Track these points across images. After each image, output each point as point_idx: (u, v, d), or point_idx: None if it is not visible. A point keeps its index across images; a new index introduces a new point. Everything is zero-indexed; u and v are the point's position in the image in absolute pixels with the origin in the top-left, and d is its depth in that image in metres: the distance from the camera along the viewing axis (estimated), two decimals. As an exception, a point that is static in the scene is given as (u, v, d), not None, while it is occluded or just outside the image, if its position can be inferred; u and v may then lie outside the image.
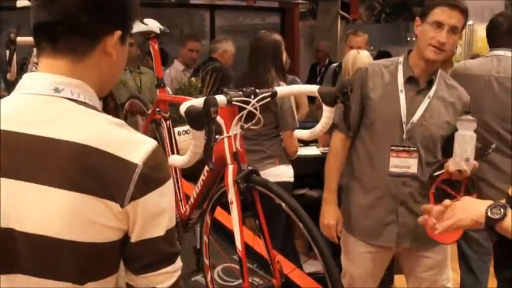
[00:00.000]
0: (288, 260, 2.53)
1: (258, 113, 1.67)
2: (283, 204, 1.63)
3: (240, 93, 1.67)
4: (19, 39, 2.39)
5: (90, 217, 1.05)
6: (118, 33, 1.13)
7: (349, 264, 2.62)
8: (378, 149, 2.46)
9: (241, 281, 1.78)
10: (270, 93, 1.72)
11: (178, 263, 1.18)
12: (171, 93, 2.43)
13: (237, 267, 1.82)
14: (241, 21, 8.63)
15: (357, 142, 2.56)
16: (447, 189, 2.33)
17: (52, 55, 1.11)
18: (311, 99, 4.53)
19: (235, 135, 1.75)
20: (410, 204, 2.44)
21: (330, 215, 2.56)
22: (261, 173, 3.23)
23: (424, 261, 2.53)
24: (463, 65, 3.09)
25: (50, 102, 1.08)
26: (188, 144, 3.77)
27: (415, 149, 2.40)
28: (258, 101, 1.67)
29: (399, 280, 3.80)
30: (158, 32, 2.36)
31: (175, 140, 2.34)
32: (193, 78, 4.04)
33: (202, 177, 1.98)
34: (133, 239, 1.10)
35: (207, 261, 2.10)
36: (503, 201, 1.59)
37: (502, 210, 1.52)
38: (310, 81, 7.06)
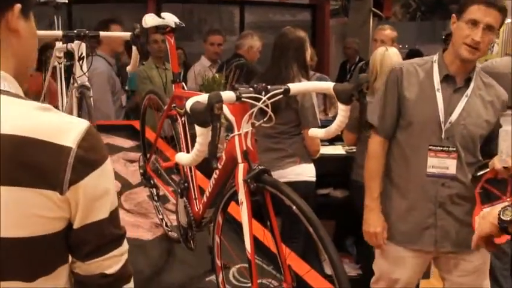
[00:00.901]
0: (308, 261, 2.47)
1: (269, 110, 1.60)
2: (294, 206, 1.56)
3: (251, 89, 1.60)
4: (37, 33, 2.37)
5: (31, 211, 1.01)
6: (18, 6, 1.08)
7: (388, 270, 2.56)
8: (415, 150, 2.41)
9: (259, 281, 1.72)
10: (282, 90, 1.65)
11: (125, 245, 1.15)
12: (186, 89, 2.38)
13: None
14: (271, 18, 8.56)
15: (393, 144, 2.51)
16: (492, 189, 2.25)
17: None
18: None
19: (246, 133, 1.69)
20: (449, 206, 2.39)
21: (374, 222, 2.52)
22: (282, 172, 3.33)
23: (463, 266, 2.47)
24: (490, 63, 3.02)
25: None
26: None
27: (454, 149, 2.34)
28: (269, 98, 1.61)
29: (424, 283, 3.71)
30: (174, 26, 2.31)
31: (191, 137, 2.29)
32: (216, 75, 4.02)
33: (214, 175, 1.93)
34: (77, 224, 1.07)
35: (218, 262, 2.05)
36: None
37: None
38: (340, 79, 6.98)
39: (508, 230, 1.53)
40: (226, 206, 1.95)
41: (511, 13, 4.10)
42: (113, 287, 1.14)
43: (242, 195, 1.68)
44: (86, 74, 2.53)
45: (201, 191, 2.17)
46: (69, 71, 2.78)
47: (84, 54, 2.52)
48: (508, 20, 6.34)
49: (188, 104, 1.46)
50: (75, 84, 2.53)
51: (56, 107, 3.19)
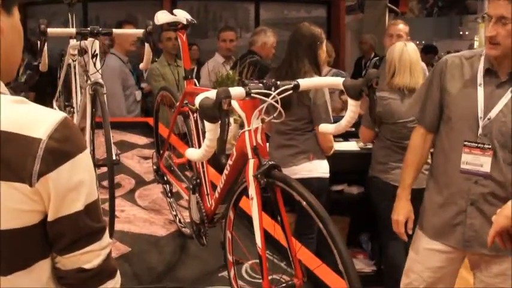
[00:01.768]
0: (323, 257, 2.46)
1: (279, 106, 1.60)
2: (304, 202, 1.56)
3: (260, 85, 1.61)
4: (50, 30, 2.40)
5: (6, 204, 1.01)
6: None
7: (417, 262, 2.56)
8: (452, 144, 2.38)
9: (270, 277, 1.73)
10: (291, 85, 1.65)
11: (106, 240, 1.13)
12: (198, 85, 2.39)
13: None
14: (286, 14, 8.55)
15: (436, 138, 2.50)
16: None
17: None
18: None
19: (256, 129, 1.69)
20: (481, 205, 2.32)
21: (399, 210, 2.55)
22: (295, 168, 3.33)
23: (491, 267, 2.42)
24: None
25: None
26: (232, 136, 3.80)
27: (490, 146, 2.27)
28: (279, 94, 1.61)
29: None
30: (185, 22, 2.32)
31: (203, 133, 2.31)
32: (230, 71, 4.02)
33: (225, 171, 1.94)
34: (51, 217, 1.06)
35: (230, 258, 2.06)
36: None
37: None
38: (355, 75, 6.94)
39: None
40: (238, 202, 1.95)
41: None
42: (93, 282, 1.12)
43: (252, 191, 1.68)
44: (99, 71, 2.54)
45: (214, 187, 2.18)
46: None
47: (97, 51, 2.54)
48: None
49: (197, 100, 1.47)
50: (89, 82, 2.55)
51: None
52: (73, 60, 3.10)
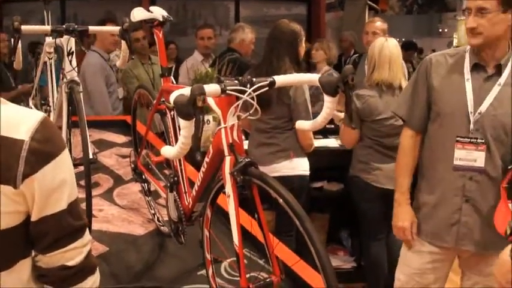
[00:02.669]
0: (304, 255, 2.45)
1: (255, 103, 1.60)
2: (280, 200, 1.56)
3: (236, 82, 1.60)
4: (24, 27, 2.37)
5: None
6: None
7: (406, 265, 2.54)
8: (442, 141, 2.36)
9: (248, 275, 1.72)
10: (267, 82, 1.65)
11: (87, 237, 1.14)
12: (175, 82, 2.38)
13: (245, 262, 1.77)
14: (266, 12, 8.55)
15: (424, 137, 2.47)
16: None
17: None
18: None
19: (232, 126, 1.69)
20: (477, 202, 2.31)
21: (403, 216, 2.49)
22: (275, 166, 3.34)
23: (480, 265, 2.41)
24: None
25: None
26: (206, 135, 3.79)
27: (483, 141, 2.27)
28: (254, 91, 1.60)
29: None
30: (161, 19, 2.31)
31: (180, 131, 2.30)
32: (209, 69, 4.01)
33: (202, 169, 1.93)
34: (35, 217, 1.06)
35: (208, 256, 2.05)
36: None
37: None
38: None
39: None
40: (215, 199, 1.95)
41: None
42: (75, 278, 1.13)
43: (229, 188, 1.68)
44: (75, 69, 2.52)
45: (192, 185, 2.17)
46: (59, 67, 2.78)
47: (73, 49, 2.52)
48: None
49: (172, 97, 1.46)
50: (65, 80, 2.52)
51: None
52: (49, 58, 3.07)
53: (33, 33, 2.54)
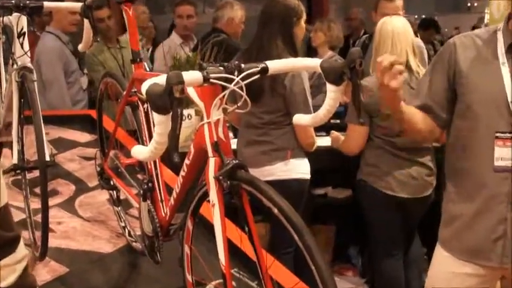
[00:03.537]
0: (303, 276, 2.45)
1: (243, 93, 1.60)
2: (275, 209, 1.56)
3: (221, 68, 1.60)
4: None
5: None
6: None
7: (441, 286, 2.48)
8: (477, 139, 2.32)
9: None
10: (258, 68, 1.64)
11: (21, 252, 1.13)
12: (148, 69, 2.38)
13: (233, 284, 1.77)
14: (259, -14, 8.55)
15: (450, 136, 2.44)
16: None
17: None
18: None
19: (217, 121, 1.69)
20: None
21: None
22: (269, 168, 3.35)
23: None
24: None
25: None
26: (186, 133, 3.79)
27: None
28: (243, 79, 1.60)
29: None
30: (132, -6, 2.31)
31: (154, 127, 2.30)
32: (190, 54, 4.01)
33: (182, 173, 1.93)
34: None
35: (189, 277, 2.06)
36: None
37: None
38: (342, 56, 6.97)
39: None
40: (197, 209, 1.95)
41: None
42: None
43: (214, 196, 1.68)
44: (28, 53, 2.51)
45: (170, 192, 2.17)
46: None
47: (25, 29, 2.51)
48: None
49: (144, 87, 1.46)
50: (15, 66, 2.51)
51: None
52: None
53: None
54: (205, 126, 1.70)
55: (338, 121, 4.04)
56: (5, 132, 2.95)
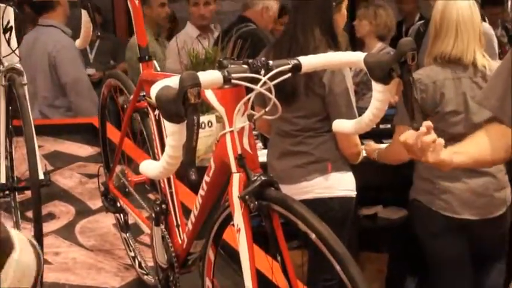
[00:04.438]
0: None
1: (272, 96, 1.61)
2: (312, 234, 1.57)
3: (245, 66, 1.62)
4: None
5: None
6: None
7: None
8: None
9: None
10: (290, 66, 1.66)
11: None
12: (159, 69, 2.40)
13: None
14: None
15: None
16: None
17: None
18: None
19: (242, 129, 1.70)
20: None
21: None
22: (306, 184, 3.35)
23: None
24: None
25: None
26: (207, 143, 3.82)
27: None
28: (271, 79, 1.62)
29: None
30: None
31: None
32: (210, 49, 4.02)
33: (201, 192, 1.95)
34: None
35: (211, 317, 2.07)
36: None
37: None
38: (394, 47, 6.94)
39: None
40: (220, 235, 1.96)
41: None
42: None
43: (239, 219, 1.69)
44: (16, 52, 2.55)
45: (187, 215, 2.19)
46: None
47: (12, 23, 2.54)
48: None
49: (154, 90, 1.47)
50: (1, 67, 2.55)
51: None
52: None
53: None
54: (228, 136, 1.71)
55: (389, 126, 4.02)
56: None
